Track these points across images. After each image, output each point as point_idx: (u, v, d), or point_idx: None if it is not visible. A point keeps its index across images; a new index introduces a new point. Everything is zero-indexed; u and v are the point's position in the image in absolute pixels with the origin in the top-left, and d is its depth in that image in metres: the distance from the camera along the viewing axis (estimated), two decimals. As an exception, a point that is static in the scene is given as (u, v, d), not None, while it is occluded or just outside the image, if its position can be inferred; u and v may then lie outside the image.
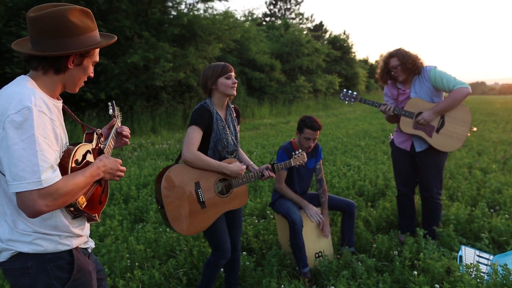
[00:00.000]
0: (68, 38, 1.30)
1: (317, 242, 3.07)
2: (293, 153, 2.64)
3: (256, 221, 3.74)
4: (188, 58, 12.79)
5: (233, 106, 2.45)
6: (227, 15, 15.45)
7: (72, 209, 1.34)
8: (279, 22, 26.18)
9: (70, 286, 1.36)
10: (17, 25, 10.14)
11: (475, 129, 3.41)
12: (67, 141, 1.40)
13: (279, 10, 30.18)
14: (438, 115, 3.06)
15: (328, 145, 8.12)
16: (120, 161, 1.51)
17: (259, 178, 2.42)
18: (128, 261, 2.93)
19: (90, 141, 1.51)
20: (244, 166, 2.33)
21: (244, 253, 2.97)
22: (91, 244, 1.57)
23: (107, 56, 11.64)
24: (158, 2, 13.43)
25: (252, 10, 26.74)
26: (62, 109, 1.47)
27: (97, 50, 1.43)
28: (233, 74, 2.32)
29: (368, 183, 4.75)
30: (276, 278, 2.67)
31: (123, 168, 1.51)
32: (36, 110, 1.20)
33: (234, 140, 2.36)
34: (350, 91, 3.26)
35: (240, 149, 2.54)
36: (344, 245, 3.09)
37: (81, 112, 10.81)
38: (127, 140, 1.74)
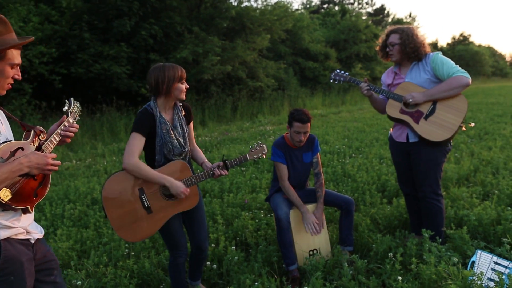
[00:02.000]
0: None
1: (312, 239, 2.95)
2: (250, 146, 2.53)
3: (262, 215, 3.70)
4: (236, 51, 12.95)
5: (181, 104, 2.35)
6: (278, 5, 15.30)
7: None
8: (337, 8, 25.23)
9: None
10: (80, 29, 11.10)
11: (472, 124, 2.97)
12: None
13: (336, -4, 29.05)
14: (429, 99, 2.73)
15: (370, 136, 7.70)
16: (51, 155, 1.57)
17: (211, 177, 2.33)
18: (126, 250, 3.10)
19: (26, 139, 1.61)
20: (188, 191, 2.23)
21: (233, 247, 2.96)
22: (35, 235, 1.66)
23: (159, 53, 12.26)
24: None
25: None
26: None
27: (14, 53, 1.49)
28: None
29: (394, 178, 4.42)
30: (255, 275, 2.62)
31: (55, 162, 1.57)
32: None
33: (181, 141, 2.29)
34: (342, 71, 3.05)
35: (196, 146, 2.49)
36: (338, 243, 2.93)
37: (136, 107, 11.55)
38: (68, 139, 1.77)
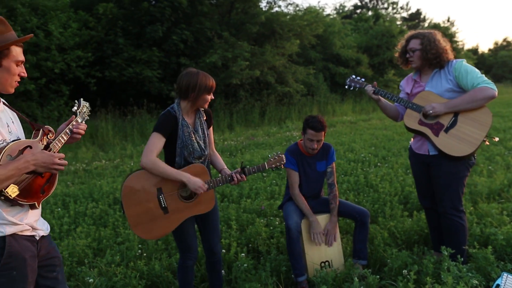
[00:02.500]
0: None
1: (324, 251, 2.87)
2: (269, 155, 2.51)
3: (277, 222, 3.64)
4: (265, 56, 12.97)
5: (202, 109, 2.39)
6: (308, 10, 15.21)
7: (2, 197, 1.51)
8: (370, 13, 24.76)
9: (1, 269, 1.52)
10: (115, 34, 11.53)
11: (496, 139, 2.76)
12: (5, 139, 1.57)
13: (370, 1, 28.43)
14: (451, 111, 2.58)
15: (398, 145, 7.44)
16: (59, 155, 1.61)
17: (228, 183, 2.33)
18: (139, 251, 3.14)
19: (35, 138, 1.66)
20: (206, 186, 2.25)
21: (243, 254, 2.93)
22: (40, 232, 1.70)
23: (189, 57, 12.50)
24: (241, 2, 13.90)
25: (344, 3, 25.76)
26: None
27: (17, 50, 1.55)
28: None
29: (418, 190, 4.22)
30: (261, 284, 2.57)
31: (62, 162, 1.61)
32: None
33: (202, 145, 2.33)
34: (358, 77, 2.95)
35: (215, 151, 2.52)
36: (351, 256, 2.82)
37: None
38: (78, 136, 1.81)
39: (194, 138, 2.29)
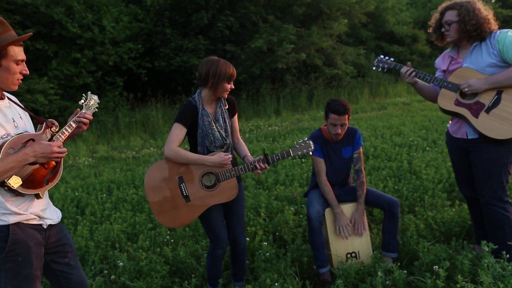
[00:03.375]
0: None
1: (350, 241, 2.72)
2: (294, 142, 2.39)
3: (307, 211, 3.53)
4: (312, 38, 12.57)
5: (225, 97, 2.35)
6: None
7: (5, 188, 1.59)
8: (429, -16, 22.82)
9: (7, 255, 1.63)
10: (163, 25, 11.86)
11: None
12: (10, 133, 1.64)
13: (430, -29, 26.08)
14: (492, 87, 2.25)
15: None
16: (57, 143, 1.66)
17: (251, 171, 2.28)
18: (167, 237, 3.23)
19: (39, 131, 1.73)
20: (230, 156, 2.24)
21: (265, 243, 2.88)
22: (48, 221, 1.78)
23: (235, 44, 12.50)
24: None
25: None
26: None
27: (16, 50, 1.59)
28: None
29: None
30: (279, 274, 2.50)
31: (61, 150, 1.66)
32: None
33: (223, 134, 2.31)
34: (386, 57, 2.69)
35: (240, 140, 2.48)
36: (379, 248, 2.64)
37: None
38: (84, 127, 1.82)
39: (215, 127, 2.28)
